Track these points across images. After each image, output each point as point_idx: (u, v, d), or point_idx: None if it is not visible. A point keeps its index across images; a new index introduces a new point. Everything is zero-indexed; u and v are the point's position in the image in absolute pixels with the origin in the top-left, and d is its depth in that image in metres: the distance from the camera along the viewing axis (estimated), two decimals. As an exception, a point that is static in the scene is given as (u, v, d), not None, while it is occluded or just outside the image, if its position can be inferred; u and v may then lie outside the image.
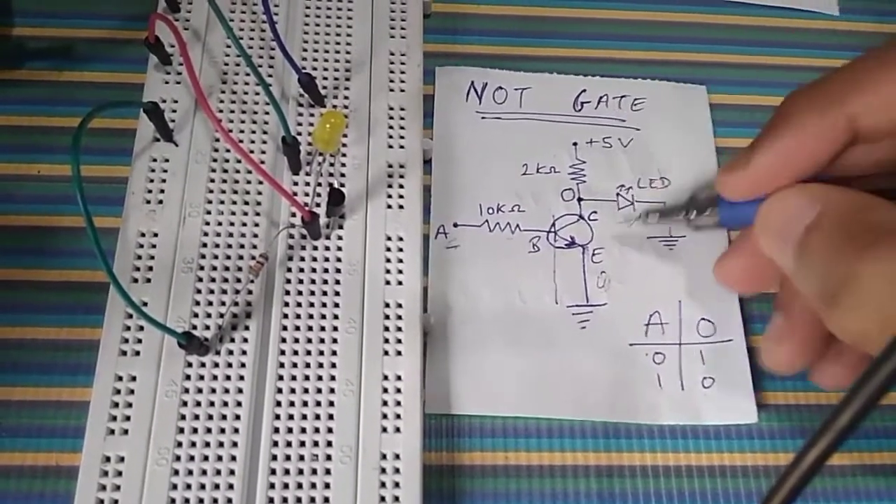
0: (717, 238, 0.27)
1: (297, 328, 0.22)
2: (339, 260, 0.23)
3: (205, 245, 0.23)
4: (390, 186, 0.24)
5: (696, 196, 0.23)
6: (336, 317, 0.22)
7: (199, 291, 0.22)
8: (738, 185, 0.20)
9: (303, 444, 0.21)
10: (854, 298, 0.15)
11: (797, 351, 0.20)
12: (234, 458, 0.20)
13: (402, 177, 0.25)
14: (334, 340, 0.22)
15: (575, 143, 0.28)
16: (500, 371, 0.24)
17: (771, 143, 0.19)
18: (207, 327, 0.22)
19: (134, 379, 0.21)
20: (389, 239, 0.24)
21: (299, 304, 0.22)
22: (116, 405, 0.21)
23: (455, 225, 0.27)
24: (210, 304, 0.22)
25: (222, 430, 0.21)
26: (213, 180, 0.24)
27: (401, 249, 0.24)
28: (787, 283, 0.20)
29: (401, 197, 0.24)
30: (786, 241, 0.18)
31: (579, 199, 0.28)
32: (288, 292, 0.23)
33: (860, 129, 0.18)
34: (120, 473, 0.20)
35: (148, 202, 0.23)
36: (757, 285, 0.23)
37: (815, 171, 0.19)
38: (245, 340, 0.22)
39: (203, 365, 0.21)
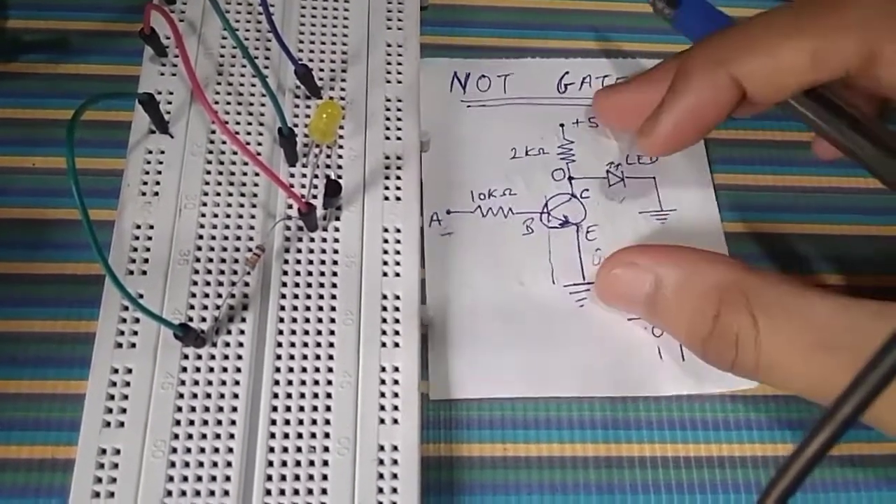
0: (710, 214, 0.27)
1: (294, 320, 0.22)
2: (336, 252, 0.23)
3: (201, 237, 0.23)
4: (387, 178, 0.24)
5: None
6: (333, 308, 0.22)
7: (195, 283, 0.22)
8: (653, 146, 0.23)
9: (300, 435, 0.21)
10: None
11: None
12: (230, 451, 0.20)
13: (399, 168, 0.25)
14: (331, 332, 0.22)
15: (562, 125, 0.29)
16: (500, 354, 0.25)
17: (672, 107, 0.22)
18: (204, 319, 0.22)
19: (130, 371, 0.21)
20: (387, 231, 0.24)
21: (296, 296, 0.22)
22: (112, 397, 0.21)
23: (448, 212, 0.27)
24: (206, 296, 0.22)
25: (219, 423, 0.21)
26: (209, 172, 0.24)
27: (398, 241, 0.23)
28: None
29: (398, 189, 0.24)
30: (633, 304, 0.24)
31: (570, 178, 0.28)
32: (285, 284, 0.22)
33: (745, 91, 0.20)
34: (116, 466, 0.20)
35: (143, 194, 0.23)
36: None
37: (716, 123, 0.22)
38: (242, 332, 0.22)
39: (199, 357, 0.21)
